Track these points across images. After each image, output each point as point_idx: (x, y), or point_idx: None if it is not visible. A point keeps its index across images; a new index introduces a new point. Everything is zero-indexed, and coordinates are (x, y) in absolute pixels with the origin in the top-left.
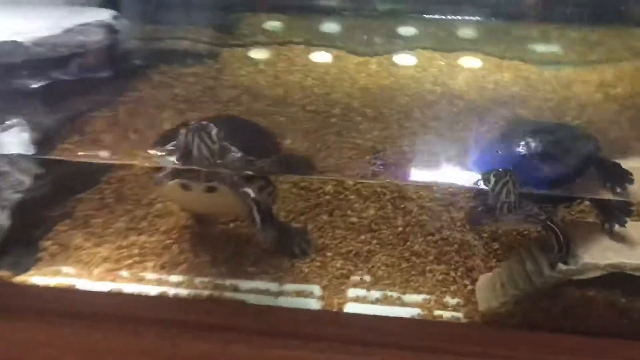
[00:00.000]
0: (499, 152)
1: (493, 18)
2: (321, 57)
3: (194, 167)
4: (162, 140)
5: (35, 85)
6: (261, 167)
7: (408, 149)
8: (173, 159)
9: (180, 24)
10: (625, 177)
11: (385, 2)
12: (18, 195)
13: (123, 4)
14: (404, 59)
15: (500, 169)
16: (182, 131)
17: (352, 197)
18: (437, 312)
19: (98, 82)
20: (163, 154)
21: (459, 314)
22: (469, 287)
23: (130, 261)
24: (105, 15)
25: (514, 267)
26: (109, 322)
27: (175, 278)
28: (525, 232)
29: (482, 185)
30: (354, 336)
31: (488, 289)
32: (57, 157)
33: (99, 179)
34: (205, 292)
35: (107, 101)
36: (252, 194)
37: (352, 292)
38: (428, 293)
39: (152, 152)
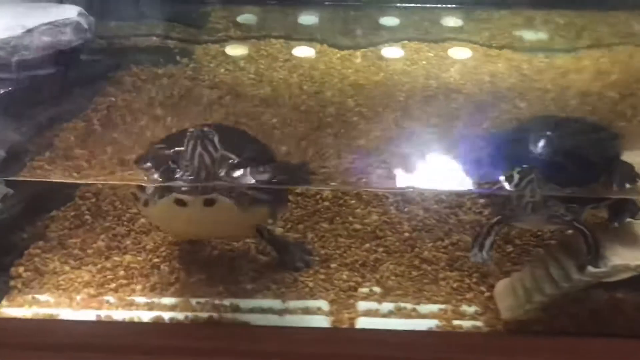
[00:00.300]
0: (518, 150)
1: (476, 5)
2: (304, 52)
3: (188, 182)
4: (147, 156)
5: None
6: (262, 177)
7: (413, 151)
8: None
9: (145, 20)
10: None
11: None
12: None
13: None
14: (390, 52)
15: (523, 166)
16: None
17: (353, 202)
18: (455, 322)
19: (66, 88)
20: (150, 168)
21: (479, 323)
22: (486, 294)
23: (115, 284)
24: (71, 12)
25: (537, 272)
26: (97, 353)
27: (168, 300)
28: (539, 234)
29: (504, 184)
30: (370, 354)
31: (509, 295)
32: (32, 179)
33: (73, 194)
34: (204, 315)
35: (77, 109)
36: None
37: (362, 306)
38: (443, 302)
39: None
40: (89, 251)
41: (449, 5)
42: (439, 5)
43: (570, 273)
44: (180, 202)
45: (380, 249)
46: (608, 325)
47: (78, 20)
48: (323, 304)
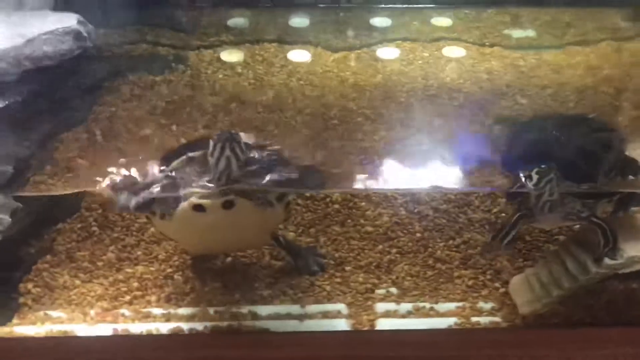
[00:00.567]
0: (532, 149)
1: (463, 4)
2: (299, 55)
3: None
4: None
5: None
6: (280, 180)
7: (424, 151)
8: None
9: (134, 26)
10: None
11: None
12: None
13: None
14: (385, 52)
15: (543, 166)
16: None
17: (363, 204)
18: (474, 319)
19: (65, 98)
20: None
21: (497, 319)
22: (501, 290)
23: (129, 297)
24: (70, 20)
25: (553, 267)
26: None
27: (185, 311)
28: (547, 230)
29: (523, 184)
30: (393, 355)
31: (526, 290)
32: (44, 194)
33: (79, 205)
34: (224, 323)
35: (77, 120)
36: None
37: (380, 307)
38: (460, 300)
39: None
40: (99, 263)
41: (438, 5)
42: (428, 5)
43: (588, 266)
44: (198, 208)
45: (394, 250)
46: (623, 314)
47: (78, 29)
48: (342, 307)
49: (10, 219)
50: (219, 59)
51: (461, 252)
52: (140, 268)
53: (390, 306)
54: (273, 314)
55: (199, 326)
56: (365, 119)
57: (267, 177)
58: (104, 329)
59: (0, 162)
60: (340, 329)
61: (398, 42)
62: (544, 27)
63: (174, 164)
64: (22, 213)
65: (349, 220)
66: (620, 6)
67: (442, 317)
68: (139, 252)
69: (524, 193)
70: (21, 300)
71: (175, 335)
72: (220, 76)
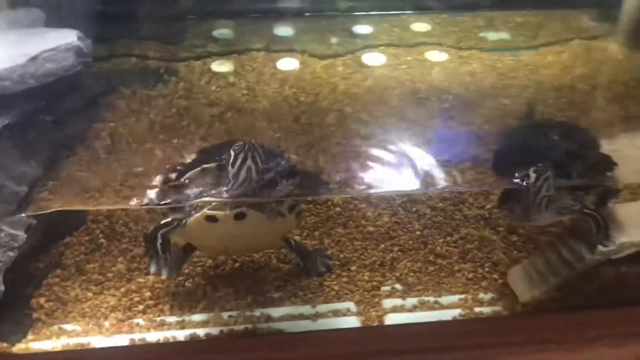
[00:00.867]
0: (524, 151)
1: (440, 10)
2: (288, 63)
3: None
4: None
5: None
6: (292, 188)
7: (422, 152)
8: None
9: (120, 40)
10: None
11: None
12: (12, 254)
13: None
14: (371, 58)
15: (540, 165)
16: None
17: (363, 205)
18: (477, 309)
19: (67, 115)
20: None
21: (498, 308)
22: (500, 281)
23: (143, 306)
24: (70, 36)
25: (550, 256)
26: None
27: (199, 317)
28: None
29: (520, 182)
30: (404, 347)
31: (524, 280)
32: (58, 209)
33: (85, 218)
34: (239, 327)
35: (78, 137)
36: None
37: (387, 303)
38: (462, 292)
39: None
40: (109, 275)
41: (416, 12)
42: (407, 12)
43: (583, 254)
44: (211, 219)
45: (396, 248)
46: (615, 296)
47: (79, 44)
48: (350, 305)
49: (25, 235)
50: (209, 70)
51: (459, 247)
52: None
53: (397, 302)
54: (286, 315)
55: (214, 331)
56: (360, 123)
57: (284, 185)
58: (121, 340)
59: (14, 182)
60: (351, 326)
61: (382, 48)
62: (516, 29)
63: (189, 174)
64: (36, 229)
65: (351, 222)
66: (586, 8)
67: (446, 309)
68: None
69: (518, 195)
70: (34, 315)
71: (192, 341)
72: (214, 87)
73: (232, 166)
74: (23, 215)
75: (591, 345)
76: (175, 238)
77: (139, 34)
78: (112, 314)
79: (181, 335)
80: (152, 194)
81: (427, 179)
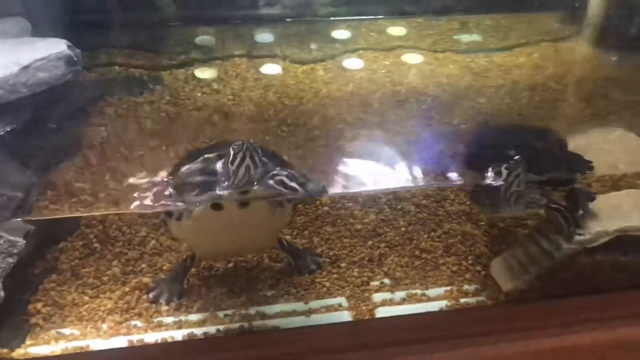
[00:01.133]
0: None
1: (415, 15)
2: (270, 69)
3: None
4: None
5: None
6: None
7: (405, 151)
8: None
9: (101, 48)
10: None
11: (324, 6)
12: (12, 260)
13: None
14: (350, 62)
15: (511, 162)
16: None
17: (350, 204)
18: (462, 300)
19: (58, 124)
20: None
21: (482, 298)
22: (482, 273)
23: (139, 308)
24: (60, 46)
25: (529, 247)
26: None
27: (195, 317)
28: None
29: (493, 178)
30: (395, 339)
31: (506, 271)
32: (63, 216)
33: (78, 223)
34: (235, 325)
35: (70, 144)
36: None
37: (377, 297)
38: (447, 285)
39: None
40: (104, 278)
41: (391, 16)
42: (382, 17)
43: (560, 243)
44: (216, 206)
45: (383, 245)
46: (590, 283)
47: (69, 53)
48: (342, 301)
49: (24, 242)
50: (193, 77)
51: (443, 241)
52: (146, 280)
53: (386, 295)
54: (280, 312)
55: (211, 330)
56: (345, 125)
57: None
58: (119, 341)
59: (9, 189)
60: (343, 320)
61: (360, 52)
62: (488, 31)
63: (183, 170)
64: (35, 235)
65: (339, 220)
66: (552, 10)
67: (433, 301)
68: (143, 265)
69: (488, 189)
70: (32, 320)
71: (190, 341)
72: (200, 94)
73: (232, 164)
74: (19, 220)
75: (570, 330)
76: (175, 233)
77: (121, 42)
78: (110, 317)
79: (179, 335)
80: (156, 193)
81: (411, 176)
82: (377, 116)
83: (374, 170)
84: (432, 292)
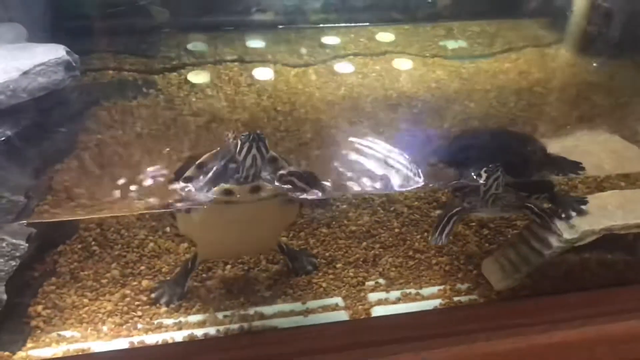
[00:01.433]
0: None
1: (402, 21)
2: (263, 73)
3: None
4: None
5: None
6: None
7: (398, 154)
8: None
9: (95, 53)
10: (574, 165)
11: (315, 13)
12: (14, 263)
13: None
14: (342, 67)
15: (490, 165)
16: (232, 141)
17: (344, 206)
18: (455, 299)
19: (55, 128)
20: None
21: (474, 296)
22: (474, 272)
23: (140, 310)
24: (58, 51)
25: (520, 247)
26: None
27: (195, 318)
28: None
29: (474, 180)
30: (391, 337)
31: (497, 270)
32: (63, 219)
33: (77, 227)
34: (234, 326)
35: (67, 149)
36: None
37: (372, 297)
38: (441, 284)
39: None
40: (104, 281)
41: (379, 23)
42: (370, 24)
43: (550, 242)
44: (228, 192)
45: (377, 246)
46: (578, 280)
47: (68, 59)
48: (338, 300)
49: (26, 245)
50: (187, 81)
51: None
52: (145, 282)
53: (381, 295)
54: (278, 313)
55: (211, 331)
56: (337, 129)
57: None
58: (120, 343)
59: (11, 192)
60: (340, 319)
61: (350, 58)
62: (474, 38)
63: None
64: (36, 238)
65: (334, 222)
66: (536, 17)
67: (427, 300)
68: (142, 267)
69: (469, 188)
70: (33, 323)
71: (191, 342)
72: (194, 99)
73: (239, 154)
74: (23, 222)
75: (559, 326)
76: (182, 227)
77: (113, 48)
78: (110, 319)
79: (179, 336)
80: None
81: (403, 178)
82: (370, 119)
83: (366, 173)
84: (426, 291)
